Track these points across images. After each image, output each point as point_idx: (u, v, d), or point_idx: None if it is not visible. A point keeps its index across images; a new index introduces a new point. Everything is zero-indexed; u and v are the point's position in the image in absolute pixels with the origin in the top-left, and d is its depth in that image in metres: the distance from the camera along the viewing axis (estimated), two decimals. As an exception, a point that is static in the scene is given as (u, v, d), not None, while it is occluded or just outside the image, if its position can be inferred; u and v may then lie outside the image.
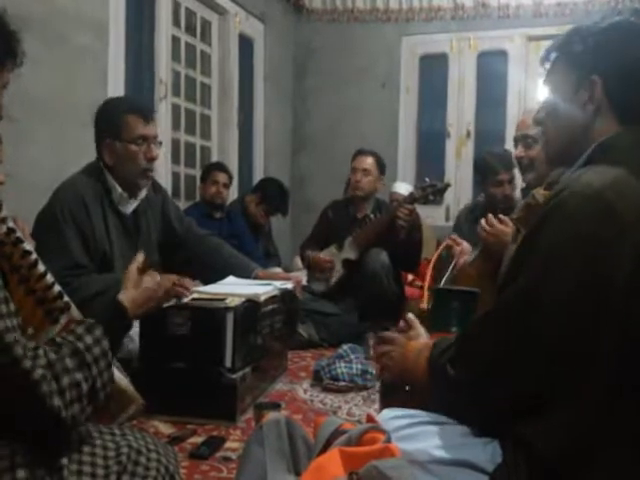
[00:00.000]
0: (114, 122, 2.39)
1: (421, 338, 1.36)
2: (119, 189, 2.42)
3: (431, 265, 2.77)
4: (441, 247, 2.83)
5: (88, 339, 1.09)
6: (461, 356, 1.10)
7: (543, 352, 0.99)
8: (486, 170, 3.27)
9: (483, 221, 2.46)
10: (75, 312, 1.16)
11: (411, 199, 3.68)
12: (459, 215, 3.61)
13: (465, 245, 2.70)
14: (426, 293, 2.58)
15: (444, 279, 2.68)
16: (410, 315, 1.45)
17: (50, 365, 0.98)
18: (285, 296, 2.75)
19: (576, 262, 0.98)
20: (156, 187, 2.67)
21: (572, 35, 1.18)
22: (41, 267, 1.07)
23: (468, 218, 3.40)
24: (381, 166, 3.96)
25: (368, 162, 3.91)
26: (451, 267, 2.69)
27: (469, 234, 3.09)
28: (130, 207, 2.48)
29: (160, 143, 2.53)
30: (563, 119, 1.21)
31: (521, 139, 2.47)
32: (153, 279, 1.70)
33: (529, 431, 1.01)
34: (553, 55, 1.22)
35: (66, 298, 1.11)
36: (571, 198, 1.01)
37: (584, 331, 0.97)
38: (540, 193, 2.03)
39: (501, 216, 2.48)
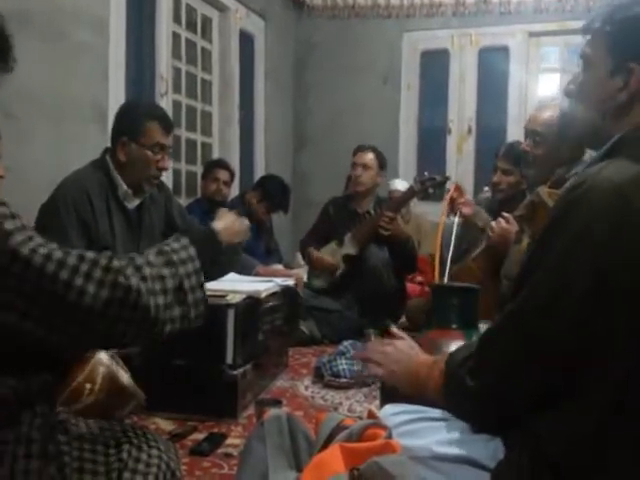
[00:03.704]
0: (135, 125, 2.43)
1: (415, 350, 1.31)
2: (124, 186, 2.44)
3: (436, 262, 2.81)
4: (448, 196, 2.92)
5: (175, 244, 1.13)
6: (482, 367, 1.06)
7: (557, 349, 0.98)
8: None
9: (494, 223, 2.49)
10: None
11: (411, 193, 3.72)
12: None
13: (467, 196, 2.77)
14: (437, 254, 2.80)
15: (446, 275, 2.71)
16: (394, 329, 1.44)
17: (130, 258, 1.02)
18: (286, 293, 2.75)
19: (591, 260, 0.95)
20: (160, 185, 2.69)
21: (614, 13, 1.10)
22: None
23: None
24: (381, 161, 3.98)
25: (368, 157, 3.93)
26: (456, 219, 2.76)
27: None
28: (134, 203, 2.50)
29: (171, 153, 2.60)
30: (593, 102, 1.14)
31: (530, 134, 2.46)
32: (242, 221, 1.88)
33: (536, 427, 1.00)
34: (594, 28, 1.13)
35: None
36: (589, 193, 0.98)
37: (597, 329, 0.95)
38: (545, 191, 2.03)
39: (506, 214, 2.49)
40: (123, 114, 2.50)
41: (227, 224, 1.64)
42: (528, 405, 1.02)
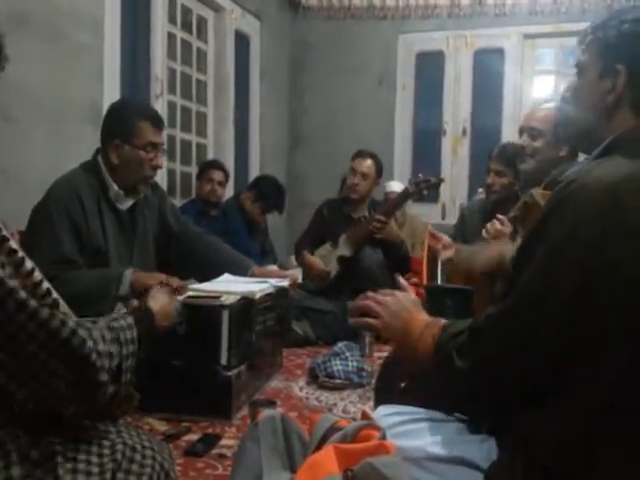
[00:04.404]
0: (126, 125, 2.40)
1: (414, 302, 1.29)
2: (115, 187, 2.42)
3: (424, 266, 2.80)
4: (425, 247, 2.88)
5: (122, 322, 1.14)
6: (469, 348, 1.08)
7: (546, 348, 0.99)
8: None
9: (489, 225, 2.49)
10: (64, 308, 1.14)
11: (405, 194, 3.70)
12: (463, 214, 3.57)
13: (445, 239, 2.75)
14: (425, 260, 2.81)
15: (439, 276, 2.70)
16: (401, 280, 1.40)
17: (87, 329, 1.02)
18: (280, 294, 2.75)
19: (579, 261, 0.96)
20: (153, 185, 2.67)
21: (608, 20, 1.13)
22: (28, 264, 1.06)
23: (474, 218, 3.38)
24: (379, 169, 3.94)
25: (366, 165, 3.87)
26: (439, 265, 2.74)
27: (473, 233, 3.09)
28: (127, 204, 2.49)
29: (164, 150, 2.56)
30: (584, 106, 1.17)
31: (527, 130, 2.46)
32: (175, 302, 1.68)
33: (526, 429, 1.00)
34: (588, 37, 1.16)
35: (55, 294, 1.11)
36: (579, 192, 0.98)
37: (587, 328, 0.96)
38: (538, 192, 2.04)
39: (500, 216, 2.50)
40: (112, 116, 2.47)
41: (162, 305, 1.50)
42: (517, 395, 1.03)
